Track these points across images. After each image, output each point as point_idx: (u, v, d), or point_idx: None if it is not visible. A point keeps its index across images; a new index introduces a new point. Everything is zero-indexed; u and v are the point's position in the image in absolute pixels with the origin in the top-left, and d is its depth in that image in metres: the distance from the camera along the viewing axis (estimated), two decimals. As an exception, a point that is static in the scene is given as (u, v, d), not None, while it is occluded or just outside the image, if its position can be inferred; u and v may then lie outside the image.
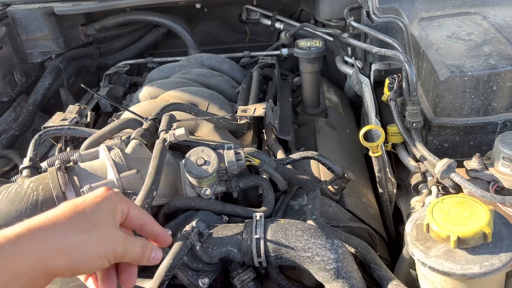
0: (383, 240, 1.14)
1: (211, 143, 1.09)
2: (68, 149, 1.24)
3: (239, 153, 0.97)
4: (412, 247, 0.77)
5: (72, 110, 1.28)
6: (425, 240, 0.77)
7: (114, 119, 1.37)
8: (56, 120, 1.22)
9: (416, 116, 1.08)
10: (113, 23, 1.81)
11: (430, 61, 1.12)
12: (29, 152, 1.06)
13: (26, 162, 1.02)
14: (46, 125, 1.19)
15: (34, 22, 1.60)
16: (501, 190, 1.00)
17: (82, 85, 1.07)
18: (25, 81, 1.68)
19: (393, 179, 1.24)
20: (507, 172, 0.97)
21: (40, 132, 1.12)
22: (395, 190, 1.25)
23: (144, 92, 1.48)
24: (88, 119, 1.37)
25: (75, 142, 1.29)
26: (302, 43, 1.42)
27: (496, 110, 1.07)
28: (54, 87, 1.75)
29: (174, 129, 0.98)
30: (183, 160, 0.96)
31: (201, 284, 0.89)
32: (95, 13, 1.75)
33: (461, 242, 0.72)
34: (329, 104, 1.65)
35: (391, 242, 1.21)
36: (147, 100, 1.39)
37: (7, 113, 1.64)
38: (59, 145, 1.24)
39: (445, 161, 0.98)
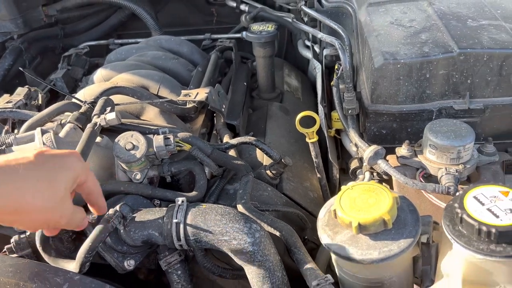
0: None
1: (152, 127, 1.10)
2: (15, 131, 1.25)
3: (169, 138, 0.98)
4: (321, 232, 0.79)
5: (20, 93, 1.29)
6: (335, 225, 0.79)
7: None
8: (1, 103, 1.22)
9: (351, 103, 1.09)
10: (74, 4, 1.79)
11: (369, 47, 1.12)
12: (-34, 134, 1.07)
13: (-40, 143, 1.03)
14: (-11, 107, 1.20)
15: (-10, 2, 1.59)
16: (428, 177, 1.02)
17: (20, 68, 1.07)
18: (-15, 61, 1.68)
19: (336, 164, 1.26)
20: (433, 159, 0.99)
21: (-21, 114, 1.13)
22: (338, 175, 1.27)
23: (98, 74, 1.48)
24: (40, 102, 1.37)
25: (24, 124, 1.30)
26: (255, 27, 1.42)
27: (430, 97, 1.08)
28: (15, 68, 1.75)
29: (106, 114, 0.99)
30: (113, 144, 0.97)
31: (126, 266, 0.91)
32: (56, -7, 1.74)
33: (362, 228, 0.74)
34: (288, 88, 1.65)
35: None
36: (97, 83, 1.40)
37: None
38: (6, 127, 1.25)
39: (373, 148, 1.00)
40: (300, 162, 1.31)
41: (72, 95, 1.14)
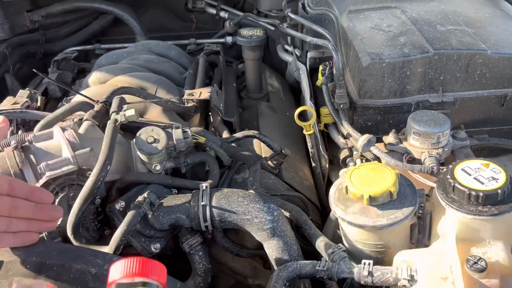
0: (317, 208, 1.29)
1: (160, 124, 1.18)
2: (20, 132, 1.29)
3: (186, 131, 1.07)
4: (334, 207, 0.91)
5: (22, 95, 1.32)
6: (345, 200, 0.92)
7: (65, 103, 1.42)
8: (7, 104, 1.25)
9: (343, 98, 1.23)
10: (60, 10, 1.83)
11: (355, 49, 1.27)
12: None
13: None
14: (-3, 109, 1.23)
15: (-22, 7, 1.60)
16: (412, 161, 1.17)
17: (34, 70, 1.12)
18: (-31, 66, 1.68)
19: (326, 155, 1.39)
20: (417, 144, 1.14)
21: (-8, 115, 1.15)
22: (327, 165, 1.40)
23: (93, 77, 1.53)
24: (39, 104, 1.41)
25: (26, 125, 1.34)
26: (245, 32, 1.54)
27: (410, 92, 1.24)
28: (0, 73, 1.75)
29: (125, 111, 1.06)
30: (134, 139, 1.05)
31: (153, 249, 0.99)
32: (41, -1, 1.77)
33: (372, 200, 0.87)
34: (271, 89, 1.78)
35: (325, 211, 1.37)
36: (96, 85, 1.45)
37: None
38: (10, 128, 1.28)
39: (366, 137, 1.14)
40: (292, 155, 1.43)
41: (84, 95, 1.19)
